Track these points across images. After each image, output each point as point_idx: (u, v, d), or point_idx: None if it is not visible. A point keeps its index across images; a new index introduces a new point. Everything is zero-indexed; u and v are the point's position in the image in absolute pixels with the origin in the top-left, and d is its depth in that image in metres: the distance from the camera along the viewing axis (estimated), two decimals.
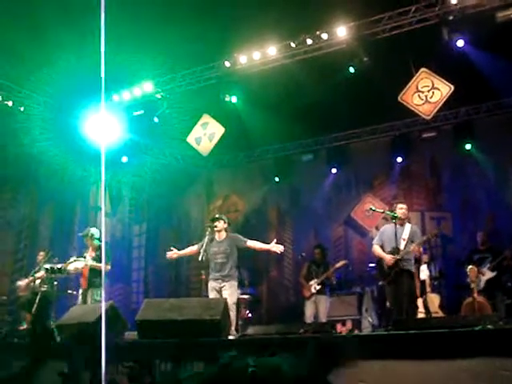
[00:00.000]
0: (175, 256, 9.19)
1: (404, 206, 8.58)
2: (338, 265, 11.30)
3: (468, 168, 12.46)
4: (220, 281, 8.61)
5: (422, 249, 8.68)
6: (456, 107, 12.17)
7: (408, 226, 8.46)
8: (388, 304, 8.61)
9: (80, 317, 7.29)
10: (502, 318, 5.85)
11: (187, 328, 6.28)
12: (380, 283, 8.69)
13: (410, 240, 8.32)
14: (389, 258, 8.25)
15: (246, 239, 8.87)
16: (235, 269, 8.77)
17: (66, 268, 10.06)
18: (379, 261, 8.62)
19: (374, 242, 8.75)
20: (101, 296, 9.85)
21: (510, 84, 10.55)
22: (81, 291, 10.15)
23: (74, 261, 10.13)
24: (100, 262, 9.96)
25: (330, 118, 12.26)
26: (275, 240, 8.90)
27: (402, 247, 8.22)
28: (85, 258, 10.18)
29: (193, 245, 9.24)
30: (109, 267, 9.96)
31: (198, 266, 11.92)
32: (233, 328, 7.98)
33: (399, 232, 8.30)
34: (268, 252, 9.31)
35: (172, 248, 9.19)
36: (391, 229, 8.41)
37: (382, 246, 8.57)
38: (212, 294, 8.64)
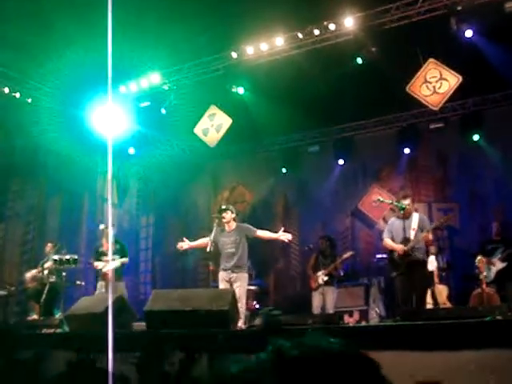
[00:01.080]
0: (186, 247, 9.13)
1: (407, 202, 8.56)
2: (346, 256, 11.30)
3: (476, 159, 12.40)
4: (230, 271, 8.61)
5: (430, 236, 8.62)
6: (464, 98, 12.12)
7: (415, 216, 8.48)
8: (398, 296, 8.59)
9: (88, 307, 7.32)
10: (511, 308, 5.83)
11: (195, 318, 6.29)
12: (393, 275, 8.66)
13: (420, 229, 8.35)
14: (400, 248, 8.30)
15: (255, 229, 8.87)
16: (246, 259, 8.76)
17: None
18: (391, 253, 8.63)
19: (384, 235, 8.79)
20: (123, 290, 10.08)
21: None
22: (103, 283, 10.25)
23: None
24: (117, 254, 10.16)
25: (337, 108, 12.23)
26: (283, 229, 8.89)
27: (412, 237, 8.24)
28: (105, 254, 10.33)
29: (203, 237, 9.20)
30: (127, 260, 10.43)
31: (205, 257, 11.93)
32: (242, 319, 8.01)
33: (407, 223, 8.32)
34: (276, 240, 9.32)
35: (184, 239, 9.16)
36: (398, 221, 8.48)
37: (392, 239, 8.60)
38: (222, 285, 8.64)
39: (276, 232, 8.91)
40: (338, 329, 6.03)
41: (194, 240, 9.19)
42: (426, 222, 8.56)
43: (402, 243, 8.32)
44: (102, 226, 10.94)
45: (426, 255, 8.63)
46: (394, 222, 8.76)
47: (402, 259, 8.28)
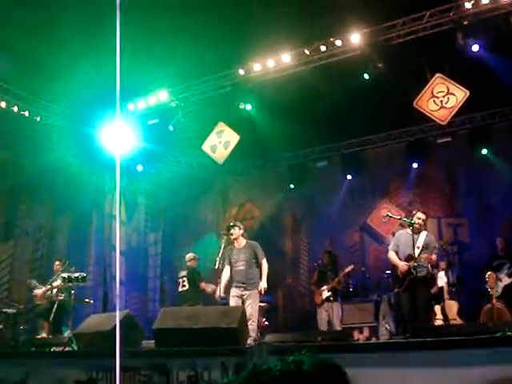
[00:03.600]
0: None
1: (422, 216, 8.55)
2: (347, 270, 11.30)
3: (484, 173, 12.36)
4: (242, 289, 8.62)
5: (434, 256, 8.55)
6: (472, 112, 12.10)
7: (423, 234, 8.44)
8: (404, 312, 8.57)
9: (97, 325, 7.31)
10: None
11: (204, 336, 6.27)
12: (395, 290, 8.67)
13: (425, 247, 8.29)
14: (402, 265, 8.29)
15: (263, 257, 8.89)
16: (258, 276, 8.76)
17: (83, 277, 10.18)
18: (394, 267, 8.60)
19: (390, 248, 8.79)
20: None
21: None
22: None
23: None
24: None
25: (345, 124, 12.24)
26: (265, 286, 8.84)
27: (416, 255, 8.19)
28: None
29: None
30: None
31: (214, 274, 11.90)
32: (253, 336, 7.96)
33: (415, 238, 8.28)
34: (285, 256, 9.34)
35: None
36: (406, 235, 8.45)
37: (397, 253, 8.56)
38: (233, 301, 8.63)
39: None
40: (348, 346, 6.00)
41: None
42: (431, 242, 8.51)
43: (406, 260, 8.30)
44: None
45: (430, 272, 8.53)
46: (402, 234, 8.72)
47: (404, 276, 8.28)
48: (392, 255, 8.62)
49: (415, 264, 8.12)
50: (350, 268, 11.35)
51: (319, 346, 5.98)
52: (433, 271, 9.10)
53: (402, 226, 9.67)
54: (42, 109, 12.31)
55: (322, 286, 11.18)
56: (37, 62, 9.93)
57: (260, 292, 8.77)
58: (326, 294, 11.10)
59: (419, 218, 8.48)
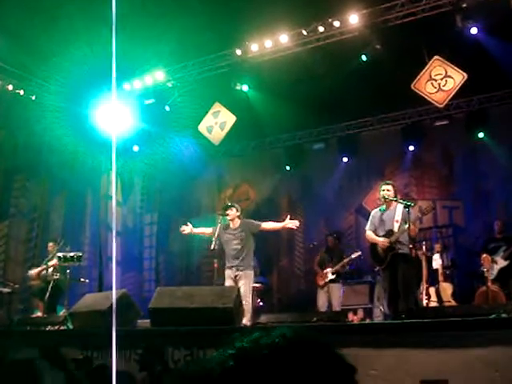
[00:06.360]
0: (188, 231, 9.13)
1: (387, 187, 8.23)
2: (354, 256, 11.23)
3: (481, 156, 12.36)
4: (235, 269, 8.58)
5: (417, 229, 8.33)
6: (469, 95, 12.05)
7: (400, 207, 8.10)
8: (386, 290, 8.28)
9: (93, 305, 7.32)
10: None
11: (200, 316, 6.29)
12: (377, 269, 8.49)
13: (404, 221, 7.95)
14: (382, 241, 7.94)
15: (259, 223, 8.83)
16: (252, 256, 8.72)
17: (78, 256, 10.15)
18: (372, 246, 8.30)
19: (367, 228, 8.36)
20: None
21: None
22: None
23: None
24: None
25: (342, 106, 12.18)
26: (289, 216, 8.84)
27: (395, 229, 7.91)
28: None
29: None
30: None
31: (209, 255, 11.92)
32: (248, 316, 7.96)
33: (390, 214, 8.08)
34: (282, 232, 9.25)
35: (188, 223, 9.17)
36: (381, 212, 8.22)
37: (375, 232, 8.29)
38: (228, 283, 8.62)
39: (279, 231, 8.87)
40: (344, 326, 6.02)
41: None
42: (410, 215, 8.17)
43: (385, 236, 7.98)
44: None
45: (411, 249, 8.19)
46: (377, 213, 8.35)
47: (385, 252, 7.92)
48: (370, 234, 8.25)
49: (395, 239, 7.82)
50: (356, 254, 11.27)
51: (316, 326, 6.01)
52: (416, 252, 8.85)
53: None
54: (38, 87, 12.23)
55: (325, 268, 11.18)
56: (31, 40, 9.85)
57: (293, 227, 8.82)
58: (330, 276, 11.08)
59: (388, 190, 8.13)
